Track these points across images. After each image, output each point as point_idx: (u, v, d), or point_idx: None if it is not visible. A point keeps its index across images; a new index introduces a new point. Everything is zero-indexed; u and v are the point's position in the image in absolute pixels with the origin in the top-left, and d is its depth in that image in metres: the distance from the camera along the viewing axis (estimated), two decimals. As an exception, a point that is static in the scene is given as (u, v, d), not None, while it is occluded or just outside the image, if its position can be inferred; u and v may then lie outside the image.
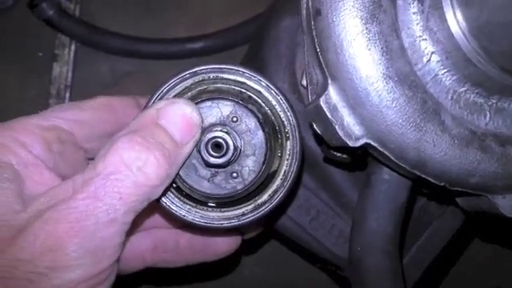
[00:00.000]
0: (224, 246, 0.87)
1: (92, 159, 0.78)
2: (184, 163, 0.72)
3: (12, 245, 0.57)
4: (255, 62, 1.03)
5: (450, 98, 0.65)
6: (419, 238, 0.96)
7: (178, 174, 0.75)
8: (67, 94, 1.38)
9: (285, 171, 0.77)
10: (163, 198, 0.75)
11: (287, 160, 0.77)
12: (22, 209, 0.60)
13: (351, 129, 0.64)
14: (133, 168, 0.61)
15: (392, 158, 0.64)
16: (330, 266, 1.06)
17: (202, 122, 0.72)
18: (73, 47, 1.39)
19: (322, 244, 1.01)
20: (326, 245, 1.01)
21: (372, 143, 0.64)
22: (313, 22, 0.64)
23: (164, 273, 0.93)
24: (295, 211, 1.01)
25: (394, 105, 0.60)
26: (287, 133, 0.77)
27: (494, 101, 0.67)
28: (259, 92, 0.78)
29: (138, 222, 0.84)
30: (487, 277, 1.51)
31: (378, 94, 0.61)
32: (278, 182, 0.77)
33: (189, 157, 0.72)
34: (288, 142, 0.78)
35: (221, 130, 0.75)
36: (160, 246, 0.86)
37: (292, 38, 0.97)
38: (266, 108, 0.78)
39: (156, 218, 0.86)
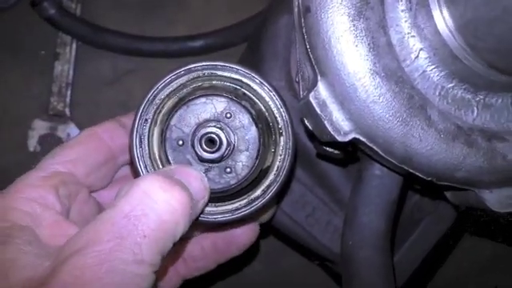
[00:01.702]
0: (245, 237, 0.89)
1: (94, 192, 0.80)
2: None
3: None
4: (253, 60, 1.04)
5: (437, 93, 0.66)
6: (412, 234, 0.96)
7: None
8: (68, 92, 1.39)
9: (278, 167, 0.79)
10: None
11: (280, 156, 0.79)
12: (47, 263, 0.58)
13: (340, 124, 0.65)
14: (157, 201, 0.59)
15: (380, 152, 0.65)
16: (327, 261, 1.07)
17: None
18: (74, 46, 1.41)
19: (317, 240, 1.02)
20: (322, 241, 1.02)
21: (360, 138, 0.65)
22: (303, 19, 0.66)
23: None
24: (291, 207, 1.02)
25: (380, 100, 0.61)
26: (280, 129, 0.79)
27: (482, 96, 0.67)
28: (253, 89, 0.79)
29: (168, 266, 0.86)
30: (485, 276, 1.52)
31: (365, 90, 0.62)
32: (271, 177, 0.79)
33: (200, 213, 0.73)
34: (281, 138, 0.79)
35: (214, 126, 0.77)
36: (188, 256, 0.88)
37: (289, 36, 0.98)
38: (260, 104, 0.79)
39: None
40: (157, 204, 0.59)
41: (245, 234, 0.89)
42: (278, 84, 0.96)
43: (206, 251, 0.89)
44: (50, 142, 1.36)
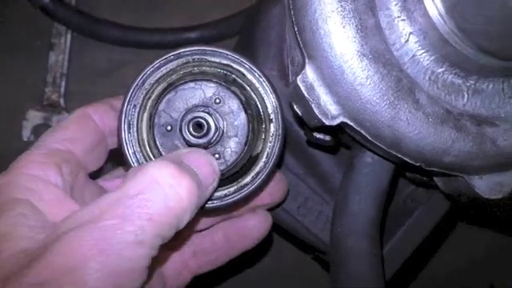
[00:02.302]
0: (257, 229, 0.89)
1: (94, 173, 0.80)
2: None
3: (35, 264, 0.54)
4: (246, 50, 1.03)
5: (427, 78, 0.65)
6: (404, 224, 0.96)
7: (161, 155, 0.76)
8: (63, 83, 1.39)
9: (267, 153, 0.79)
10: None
11: (270, 142, 0.78)
12: (43, 236, 0.59)
13: (328, 108, 0.64)
14: (165, 187, 0.59)
15: (368, 137, 0.65)
16: (319, 252, 1.07)
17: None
18: (69, 36, 1.40)
19: (309, 230, 1.01)
20: (314, 231, 1.01)
21: (348, 122, 0.64)
22: (291, 1, 0.65)
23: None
24: (283, 197, 1.01)
25: (368, 82, 0.61)
26: (270, 115, 0.79)
27: (472, 82, 0.67)
28: (243, 74, 0.79)
29: (163, 257, 0.85)
30: (482, 273, 1.51)
31: (352, 72, 0.61)
32: (260, 164, 0.79)
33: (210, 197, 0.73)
34: (271, 125, 0.79)
35: (203, 111, 0.76)
36: (198, 250, 0.88)
37: (282, 26, 0.97)
38: (250, 90, 0.79)
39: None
40: (164, 190, 0.59)
41: (258, 226, 0.89)
42: (271, 73, 0.95)
43: (217, 244, 0.88)
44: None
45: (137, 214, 0.57)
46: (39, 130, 1.36)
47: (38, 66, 1.39)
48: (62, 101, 1.38)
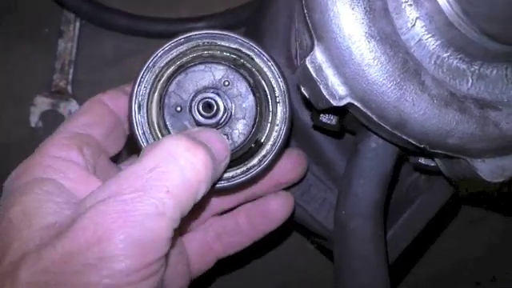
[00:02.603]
0: (280, 210, 0.90)
1: (113, 158, 0.82)
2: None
3: (62, 239, 0.57)
4: (253, 37, 1.05)
5: (433, 62, 0.67)
6: (406, 211, 0.97)
7: (170, 134, 0.78)
8: (71, 70, 1.40)
9: (274, 137, 0.80)
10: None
11: (277, 125, 0.80)
12: (69, 211, 0.61)
13: (335, 88, 0.66)
14: (181, 160, 0.61)
15: (374, 118, 0.66)
16: (322, 240, 1.08)
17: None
18: (77, 24, 1.42)
19: (313, 217, 1.03)
20: (317, 218, 1.02)
21: (355, 103, 0.66)
22: (300, -16, 0.67)
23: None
24: (287, 184, 1.03)
25: (375, 63, 0.62)
26: (277, 98, 0.80)
27: (477, 67, 0.68)
28: (252, 58, 0.80)
29: (186, 226, 0.88)
30: (482, 266, 1.52)
31: (360, 53, 0.63)
32: (267, 147, 0.80)
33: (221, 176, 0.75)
34: (278, 108, 0.80)
35: (212, 92, 0.78)
36: (222, 232, 0.90)
37: (289, 15, 0.99)
38: (258, 74, 0.81)
39: (207, 209, 0.90)
40: (181, 163, 0.61)
41: (280, 208, 0.90)
42: (278, 61, 0.96)
43: (241, 226, 0.90)
44: (52, 119, 1.37)
45: (155, 186, 0.59)
46: (47, 116, 1.37)
47: (46, 53, 1.41)
48: (69, 88, 1.40)
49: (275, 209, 0.90)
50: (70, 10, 1.39)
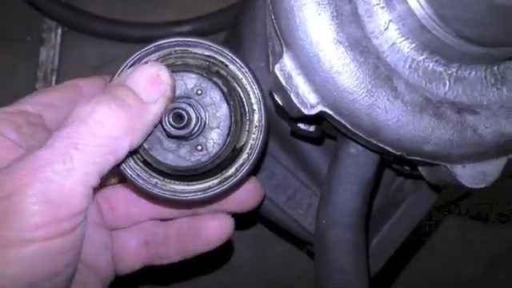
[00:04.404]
0: (214, 232, 0.84)
1: None
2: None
3: None
4: (233, 43, 1.03)
5: (408, 66, 0.64)
6: (392, 216, 0.95)
7: (142, 145, 0.75)
8: (54, 78, 1.39)
9: (251, 145, 0.78)
10: (129, 171, 0.75)
11: (254, 134, 0.78)
12: None
13: (306, 97, 0.63)
14: (88, 121, 0.63)
15: (348, 125, 0.64)
16: (310, 245, 1.06)
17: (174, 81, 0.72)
18: (59, 31, 1.40)
19: (298, 223, 1.01)
20: (303, 224, 1.00)
21: (327, 111, 0.63)
22: (268, -11, 0.64)
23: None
24: (272, 190, 1.00)
25: (344, 70, 0.60)
26: (253, 106, 0.78)
27: (454, 69, 0.66)
28: (226, 65, 0.78)
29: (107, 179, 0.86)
30: (477, 263, 1.51)
31: (328, 60, 0.60)
32: (244, 156, 0.78)
33: (159, 123, 0.72)
34: (255, 116, 0.78)
35: (184, 102, 0.75)
36: (150, 240, 0.85)
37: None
38: (233, 81, 0.78)
39: (143, 211, 0.86)
40: (89, 124, 0.63)
41: (215, 230, 0.83)
42: (258, 65, 0.94)
43: (169, 239, 0.84)
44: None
45: (63, 144, 0.61)
46: (30, 126, 1.35)
47: (28, 61, 1.40)
48: (52, 96, 1.38)
49: (209, 231, 0.83)
50: (50, 17, 1.37)
